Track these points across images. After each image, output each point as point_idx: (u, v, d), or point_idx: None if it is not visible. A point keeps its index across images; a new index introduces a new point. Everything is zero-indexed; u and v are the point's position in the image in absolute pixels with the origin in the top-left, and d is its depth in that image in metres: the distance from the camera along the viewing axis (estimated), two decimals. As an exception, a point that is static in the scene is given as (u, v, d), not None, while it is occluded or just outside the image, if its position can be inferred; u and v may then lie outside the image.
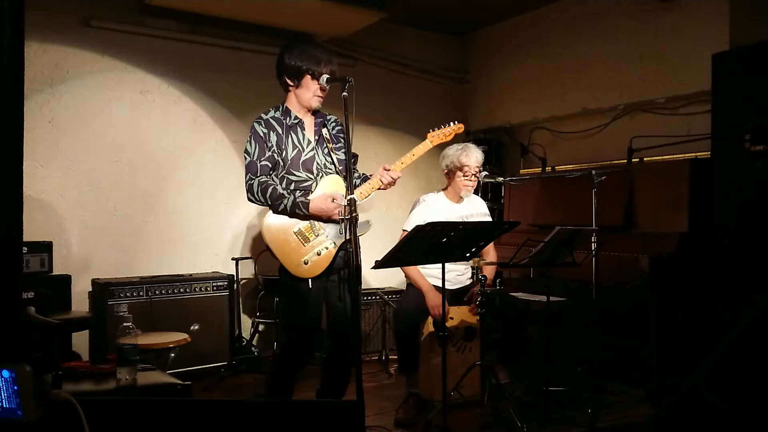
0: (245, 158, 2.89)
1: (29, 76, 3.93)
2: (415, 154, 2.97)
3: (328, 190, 2.90)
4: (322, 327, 2.99)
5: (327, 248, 2.87)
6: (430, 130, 3.05)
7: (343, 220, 2.84)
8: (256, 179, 2.84)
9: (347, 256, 2.91)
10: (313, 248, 2.85)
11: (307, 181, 2.91)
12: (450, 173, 3.66)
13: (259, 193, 2.83)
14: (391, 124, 5.53)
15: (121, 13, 4.35)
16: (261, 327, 4.74)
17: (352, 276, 2.48)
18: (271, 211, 2.87)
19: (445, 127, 3.07)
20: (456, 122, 3.10)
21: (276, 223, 2.86)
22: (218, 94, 4.75)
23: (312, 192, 2.90)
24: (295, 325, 3.01)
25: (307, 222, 2.86)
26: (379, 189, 2.94)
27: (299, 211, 2.81)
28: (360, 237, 2.92)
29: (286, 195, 2.82)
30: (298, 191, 2.88)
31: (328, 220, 2.86)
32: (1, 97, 1.56)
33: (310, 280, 2.84)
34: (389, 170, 2.91)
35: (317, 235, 2.86)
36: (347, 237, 2.56)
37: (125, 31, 4.37)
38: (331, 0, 4.19)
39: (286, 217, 2.85)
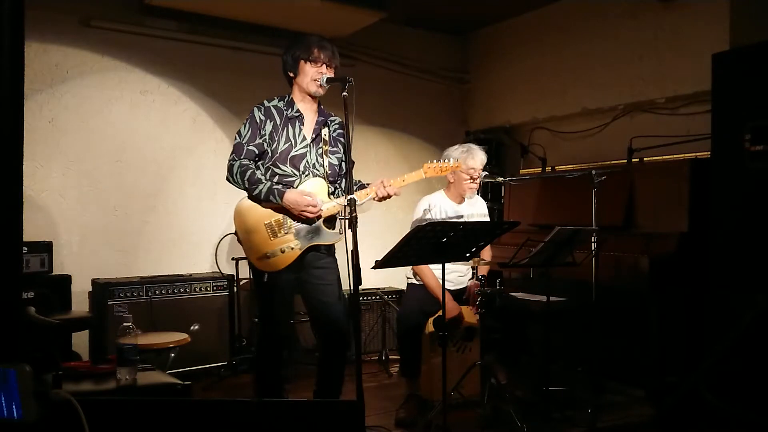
0: (235, 138, 2.91)
1: (29, 76, 3.93)
2: (406, 180, 2.94)
3: (310, 191, 2.89)
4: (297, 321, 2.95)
5: (292, 248, 2.84)
6: (428, 161, 3.03)
7: (342, 220, 2.85)
8: (238, 161, 2.85)
9: (322, 256, 2.92)
10: (278, 244, 2.84)
11: (291, 177, 2.89)
12: (452, 174, 3.63)
13: (238, 175, 2.83)
14: (391, 124, 5.53)
15: (121, 13, 4.36)
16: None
17: (356, 276, 2.46)
18: (246, 196, 2.88)
19: (443, 162, 3.03)
20: (456, 160, 3.12)
21: (249, 211, 2.86)
22: (218, 94, 4.75)
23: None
24: (262, 317, 3.04)
25: (281, 216, 2.84)
26: (372, 199, 2.91)
27: (273, 198, 2.79)
28: (330, 244, 2.93)
29: (264, 181, 2.82)
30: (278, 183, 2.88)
31: (299, 218, 2.83)
32: (1, 97, 1.56)
33: (266, 274, 2.84)
34: (389, 185, 2.88)
35: (286, 233, 2.85)
36: (345, 237, 2.54)
37: (125, 31, 4.37)
38: (331, 0, 4.19)
39: (260, 206, 2.85)
